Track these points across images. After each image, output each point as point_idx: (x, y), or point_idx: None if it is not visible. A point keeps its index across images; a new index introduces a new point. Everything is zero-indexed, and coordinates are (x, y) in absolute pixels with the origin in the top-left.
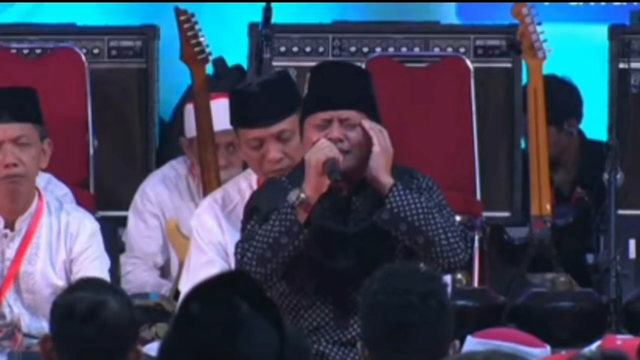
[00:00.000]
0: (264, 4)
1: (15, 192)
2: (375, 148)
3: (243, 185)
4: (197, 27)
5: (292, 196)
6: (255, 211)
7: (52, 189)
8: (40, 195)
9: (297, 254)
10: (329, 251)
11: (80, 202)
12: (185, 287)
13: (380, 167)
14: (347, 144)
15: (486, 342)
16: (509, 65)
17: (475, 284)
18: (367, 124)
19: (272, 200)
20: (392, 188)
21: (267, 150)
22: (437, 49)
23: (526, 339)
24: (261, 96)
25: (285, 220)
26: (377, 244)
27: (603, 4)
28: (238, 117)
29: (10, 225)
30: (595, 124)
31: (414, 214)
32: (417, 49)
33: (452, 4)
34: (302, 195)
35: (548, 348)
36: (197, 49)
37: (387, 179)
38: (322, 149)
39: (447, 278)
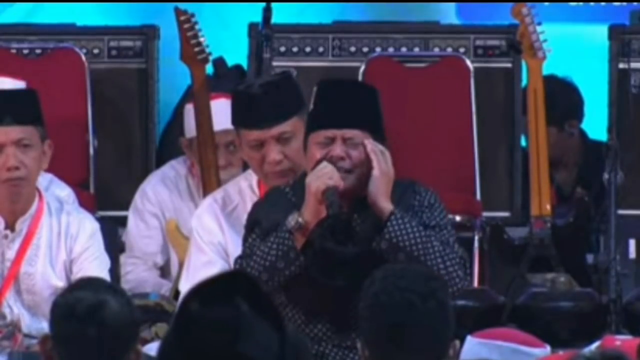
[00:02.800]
0: (264, 4)
1: (17, 194)
2: (375, 172)
3: (243, 186)
4: (197, 27)
5: (291, 220)
6: (256, 224)
7: (54, 189)
8: (40, 196)
9: (295, 276)
10: (328, 270)
11: (81, 202)
12: (185, 287)
13: (380, 191)
14: (349, 162)
15: (486, 342)
16: (509, 65)
17: (475, 284)
18: (370, 145)
19: (275, 213)
20: (391, 216)
21: (267, 151)
22: (437, 49)
23: (526, 339)
24: (263, 98)
25: (282, 245)
26: (376, 264)
27: (603, 4)
28: (239, 118)
29: (10, 226)
30: (595, 124)
31: (412, 244)
32: (417, 49)
33: (452, 4)
34: (300, 220)
35: (548, 348)
36: (197, 49)
37: (386, 205)
38: (322, 175)
39: None
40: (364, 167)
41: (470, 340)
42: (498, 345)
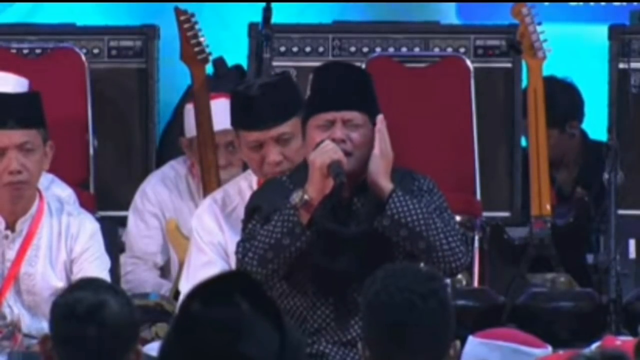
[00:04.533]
0: (264, 4)
1: (19, 197)
2: (376, 151)
3: (243, 186)
4: (197, 27)
5: (295, 197)
6: (256, 210)
7: (55, 189)
8: (41, 196)
9: (299, 255)
10: (330, 252)
11: (81, 202)
12: (185, 287)
13: (380, 171)
14: (350, 145)
15: (487, 342)
16: (509, 65)
17: (475, 284)
18: (379, 124)
19: (273, 199)
20: (392, 193)
21: (266, 152)
22: (437, 49)
23: (527, 339)
24: (262, 99)
25: (287, 221)
26: (377, 245)
27: (603, 4)
28: (238, 119)
29: (11, 226)
30: (595, 124)
31: (415, 219)
32: (417, 49)
33: (452, 4)
34: (305, 197)
35: (549, 348)
36: (197, 49)
37: (386, 184)
38: (327, 150)
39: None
40: (364, 149)
41: (471, 341)
42: (499, 345)
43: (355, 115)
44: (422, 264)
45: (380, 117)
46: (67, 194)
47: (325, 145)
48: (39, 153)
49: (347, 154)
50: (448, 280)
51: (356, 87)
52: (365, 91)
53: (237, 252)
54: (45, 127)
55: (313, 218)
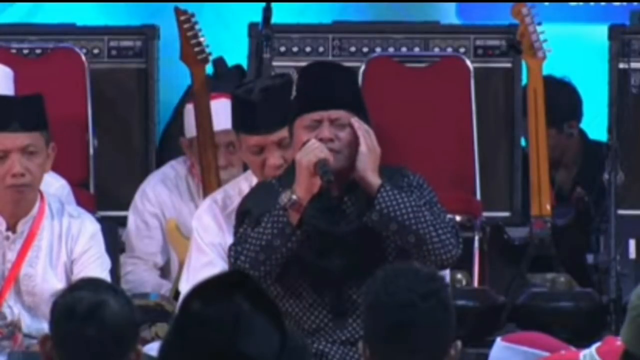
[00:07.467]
0: (264, 4)
1: (21, 199)
2: (362, 148)
3: (243, 186)
4: (197, 27)
5: (284, 198)
6: (246, 214)
7: (48, 178)
8: (42, 198)
9: (291, 256)
10: (322, 252)
11: (81, 202)
12: (185, 288)
13: (368, 167)
14: (338, 143)
15: (512, 347)
16: (509, 65)
17: (475, 284)
18: (356, 123)
19: (263, 203)
20: (380, 188)
21: (267, 156)
22: (437, 49)
23: (554, 345)
24: (263, 104)
25: (277, 222)
26: (369, 243)
27: (603, 4)
28: (240, 123)
29: (12, 227)
30: (595, 124)
31: (404, 213)
32: (417, 49)
33: (452, 4)
34: (294, 197)
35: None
36: (197, 49)
37: (374, 179)
38: (313, 149)
39: (447, 278)
40: (352, 147)
41: (497, 343)
42: (523, 351)
43: (341, 114)
44: (414, 263)
45: (354, 119)
46: (61, 184)
47: (311, 144)
48: (42, 156)
49: (335, 152)
50: (447, 279)
51: (341, 85)
52: (351, 89)
53: (229, 256)
54: (48, 130)
55: (303, 218)
